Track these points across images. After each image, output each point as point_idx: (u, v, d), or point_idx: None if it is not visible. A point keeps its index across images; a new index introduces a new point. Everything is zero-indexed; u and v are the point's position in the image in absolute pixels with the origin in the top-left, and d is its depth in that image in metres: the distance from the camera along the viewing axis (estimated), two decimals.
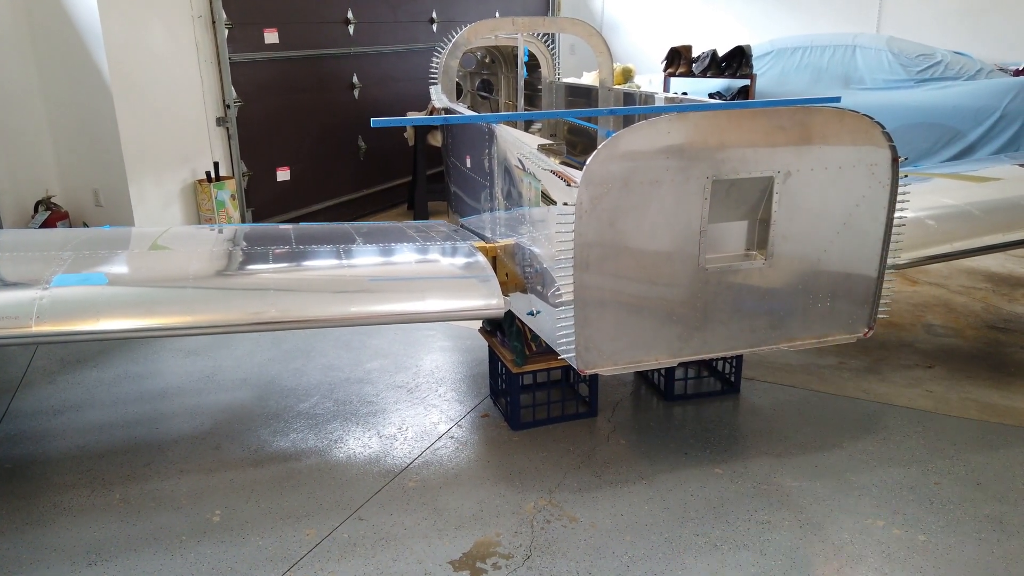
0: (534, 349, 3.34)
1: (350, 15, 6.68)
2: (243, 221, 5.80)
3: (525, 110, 5.62)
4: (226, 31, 5.47)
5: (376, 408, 3.60)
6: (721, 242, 2.67)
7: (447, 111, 4.18)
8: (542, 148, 2.88)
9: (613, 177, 2.44)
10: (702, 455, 3.15)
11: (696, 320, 2.69)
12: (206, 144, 5.54)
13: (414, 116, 6.93)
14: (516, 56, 6.03)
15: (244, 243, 3.29)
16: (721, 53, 7.54)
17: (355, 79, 6.87)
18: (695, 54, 7.69)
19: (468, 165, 4.02)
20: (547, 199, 2.76)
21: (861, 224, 2.74)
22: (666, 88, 7.82)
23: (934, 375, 3.84)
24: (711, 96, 7.75)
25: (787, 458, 3.12)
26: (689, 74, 7.60)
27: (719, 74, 7.47)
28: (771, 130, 2.54)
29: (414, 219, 7.14)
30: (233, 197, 5.56)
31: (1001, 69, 7.45)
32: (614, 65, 8.28)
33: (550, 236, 2.64)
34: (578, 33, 4.71)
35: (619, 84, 8.24)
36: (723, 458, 3.13)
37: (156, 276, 2.87)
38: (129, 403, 3.69)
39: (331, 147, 6.70)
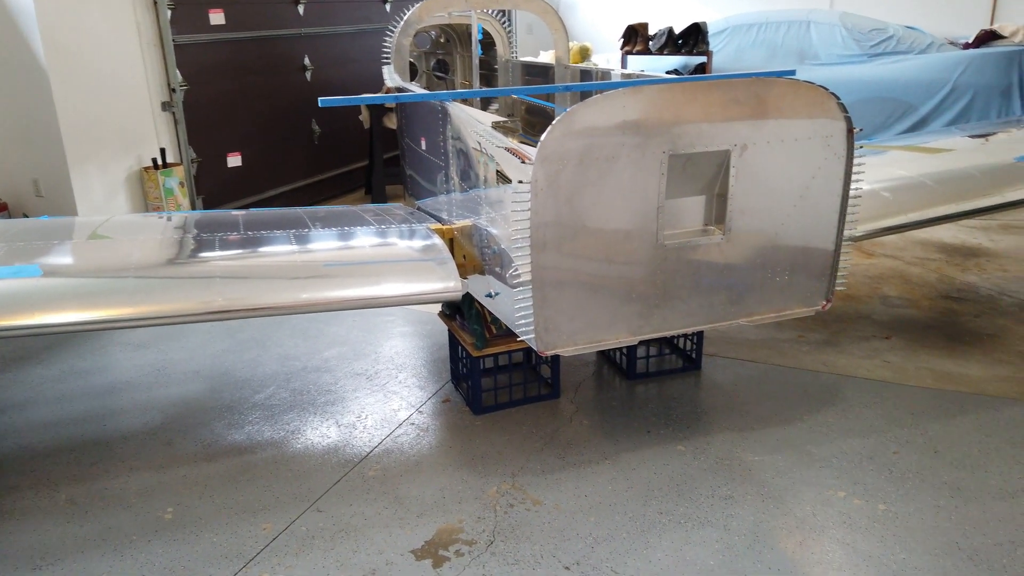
0: (494, 332, 3.28)
1: None
2: (193, 209, 5.63)
3: (481, 88, 5.53)
4: (169, 12, 5.27)
5: (334, 397, 3.52)
6: (679, 218, 2.64)
7: (400, 91, 4.08)
8: (497, 126, 2.81)
9: (569, 153, 2.38)
10: (665, 432, 3.14)
11: (656, 297, 2.66)
12: (151, 130, 5.35)
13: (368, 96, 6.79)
14: (471, 33, 5.93)
15: (190, 230, 3.17)
16: (677, 30, 7.52)
17: (307, 61, 6.70)
18: (652, 32, 7.65)
19: (423, 146, 3.93)
20: (503, 178, 2.69)
21: (818, 197, 2.73)
22: (623, 66, 7.78)
23: (891, 346, 3.88)
24: (668, 73, 7.74)
25: (748, 432, 3.12)
26: (646, 52, 7.57)
27: (676, 51, 7.45)
28: (727, 103, 2.50)
29: (371, 203, 7.03)
30: (182, 184, 5.39)
31: (951, 43, 7.55)
32: (571, 44, 8.22)
33: (506, 216, 2.58)
34: (533, 10, 4.63)
35: (576, 63, 8.18)
36: (685, 435, 3.12)
37: (95, 267, 2.75)
38: (75, 400, 3.56)
39: (284, 131, 6.54)
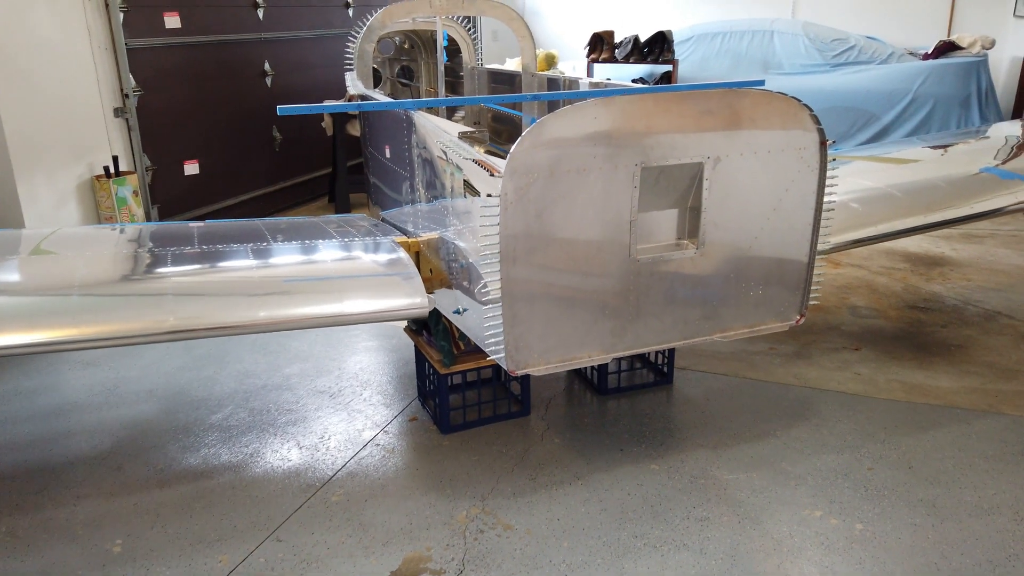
0: (462, 348, 3.18)
1: None
2: (148, 219, 5.43)
3: (446, 97, 5.43)
4: (121, 15, 5.08)
5: (296, 417, 3.39)
6: (652, 232, 2.57)
7: (363, 99, 3.96)
8: (463, 136, 2.71)
9: (539, 166, 2.30)
10: (638, 450, 3.06)
11: (629, 314, 2.58)
12: (103, 136, 5.14)
13: (329, 104, 6.65)
14: (435, 40, 5.83)
15: (141, 244, 3.01)
16: (643, 39, 7.51)
17: (267, 66, 6.53)
18: (617, 39, 7.63)
19: (387, 155, 3.82)
20: (470, 190, 2.60)
21: (791, 209, 2.68)
22: (589, 74, 7.75)
23: (861, 357, 3.86)
24: (634, 82, 7.72)
25: (722, 449, 3.06)
26: (612, 60, 7.54)
27: (641, 59, 7.43)
28: (700, 114, 2.44)
29: (335, 212, 6.87)
30: (136, 193, 5.19)
31: (911, 53, 7.66)
32: (537, 51, 8.16)
33: (475, 229, 2.49)
34: (499, 17, 4.55)
35: (543, 70, 8.13)
36: (659, 452, 3.05)
37: (37, 284, 2.58)
38: (20, 423, 3.37)
39: (244, 138, 6.36)
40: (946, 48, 7.22)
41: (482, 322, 2.47)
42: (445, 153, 2.81)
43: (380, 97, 4.03)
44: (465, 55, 5.34)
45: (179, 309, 2.49)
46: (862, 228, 3.38)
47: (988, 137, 5.17)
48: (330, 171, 7.09)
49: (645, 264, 2.54)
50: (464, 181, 2.65)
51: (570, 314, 2.51)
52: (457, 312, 2.83)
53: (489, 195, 2.30)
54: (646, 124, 2.39)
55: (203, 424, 3.33)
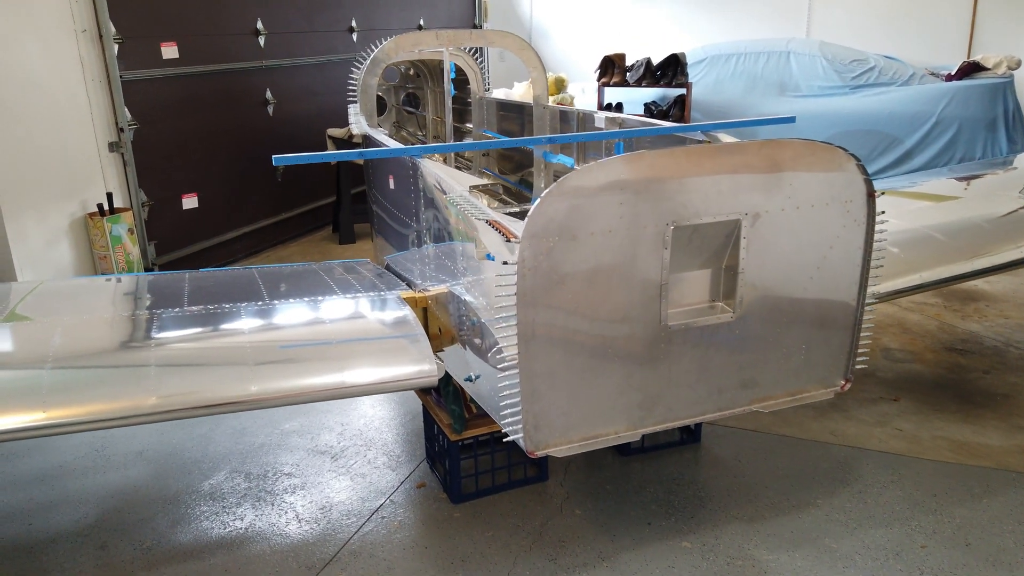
0: (474, 411, 2.94)
1: (260, 25, 6.15)
2: (144, 256, 5.22)
3: (454, 127, 5.21)
4: (116, 46, 4.89)
5: (295, 483, 3.14)
6: (684, 294, 2.33)
7: (366, 139, 3.74)
8: (475, 190, 2.49)
9: (560, 228, 2.07)
10: (667, 524, 2.81)
11: (659, 385, 2.34)
12: (97, 172, 4.94)
13: (334, 132, 6.45)
14: (443, 69, 5.63)
15: (125, 304, 2.79)
16: (655, 61, 7.29)
17: (268, 94, 6.34)
18: (629, 62, 7.41)
19: (392, 197, 3.59)
20: (482, 245, 2.37)
21: (836, 266, 2.44)
22: (600, 98, 7.53)
23: (901, 409, 3.60)
24: (646, 106, 7.51)
25: (760, 523, 2.80)
26: (623, 83, 7.33)
27: (654, 83, 7.22)
28: (736, 168, 2.21)
29: (340, 242, 6.66)
30: (131, 231, 4.98)
31: (932, 74, 7.42)
32: (547, 75, 7.94)
33: (487, 287, 2.25)
34: (508, 46, 4.33)
35: (552, 94, 7.92)
36: (690, 527, 2.79)
37: (7, 359, 2.35)
38: (1, 490, 3.14)
39: (244, 169, 6.16)
40: (970, 69, 6.98)
41: (497, 394, 2.23)
42: (454, 207, 2.58)
43: (383, 137, 3.79)
44: (473, 84, 5.13)
45: (162, 385, 2.25)
46: (906, 276, 3.13)
47: (1016, 168, 4.93)
48: (334, 199, 6.88)
49: (677, 331, 2.29)
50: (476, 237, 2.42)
51: (595, 387, 2.26)
52: (469, 380, 2.59)
53: (505, 263, 2.07)
54: (678, 180, 2.15)
55: (195, 492, 3.09)
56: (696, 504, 2.93)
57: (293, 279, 3.31)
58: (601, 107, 7.40)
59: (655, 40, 8.85)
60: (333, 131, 6.49)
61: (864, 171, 2.35)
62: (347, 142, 6.46)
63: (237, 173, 6.08)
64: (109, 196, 4.91)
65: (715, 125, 3.19)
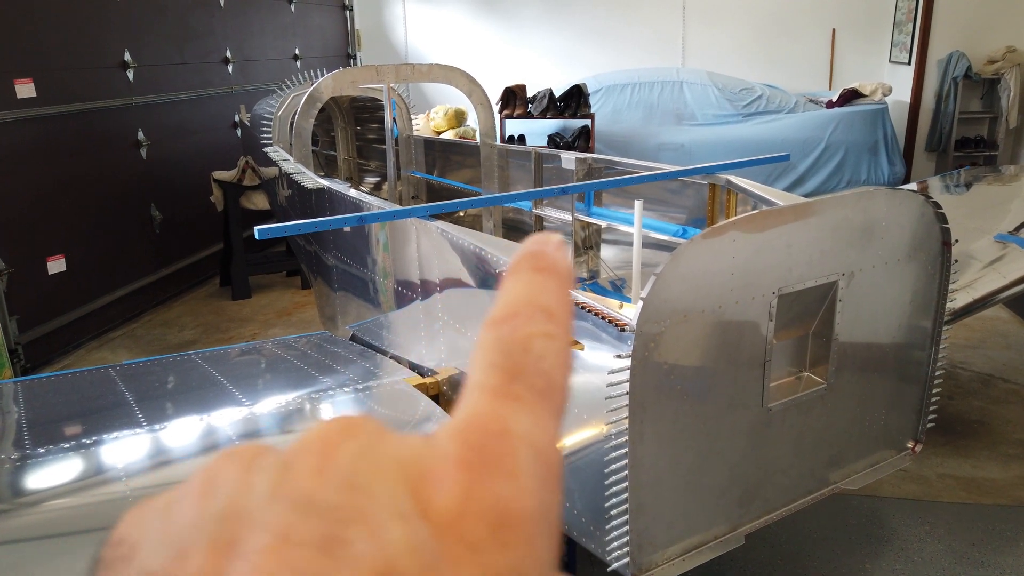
0: None
1: (128, 57, 5.36)
2: (6, 335, 4.29)
3: (375, 167, 4.73)
4: None
5: None
6: (775, 369, 2.05)
7: (320, 192, 3.18)
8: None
9: (673, 309, 1.72)
10: None
11: (757, 475, 2.03)
12: None
13: (220, 175, 5.72)
14: (353, 106, 5.13)
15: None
16: (556, 92, 7.13)
17: (141, 135, 5.52)
18: (530, 94, 7.21)
19: (358, 259, 3.08)
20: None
21: (913, 322, 2.26)
22: (503, 130, 7.26)
23: None
24: (550, 137, 7.33)
25: None
26: (526, 115, 7.10)
27: (558, 114, 7.04)
28: (837, 224, 1.96)
29: (232, 297, 5.90)
30: None
31: (811, 101, 7.78)
32: (446, 108, 7.58)
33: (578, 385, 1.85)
34: (454, 83, 3.94)
35: (452, 127, 7.56)
36: None
37: None
38: None
39: (118, 221, 5.30)
40: (850, 96, 7.37)
41: (597, 514, 1.82)
42: (488, 275, 2.16)
43: (339, 187, 3.24)
44: (400, 122, 4.67)
45: None
46: None
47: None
48: (221, 248, 6.11)
49: (777, 412, 2.00)
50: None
51: (699, 489, 1.92)
52: None
53: (619, 356, 1.68)
54: (786, 243, 1.87)
55: None
56: None
57: (246, 366, 2.72)
58: (504, 140, 7.13)
59: (538, 69, 8.73)
60: (219, 174, 5.76)
61: (942, 219, 2.18)
62: (236, 186, 5.78)
63: (110, 227, 5.22)
64: None
65: (720, 167, 2.97)
